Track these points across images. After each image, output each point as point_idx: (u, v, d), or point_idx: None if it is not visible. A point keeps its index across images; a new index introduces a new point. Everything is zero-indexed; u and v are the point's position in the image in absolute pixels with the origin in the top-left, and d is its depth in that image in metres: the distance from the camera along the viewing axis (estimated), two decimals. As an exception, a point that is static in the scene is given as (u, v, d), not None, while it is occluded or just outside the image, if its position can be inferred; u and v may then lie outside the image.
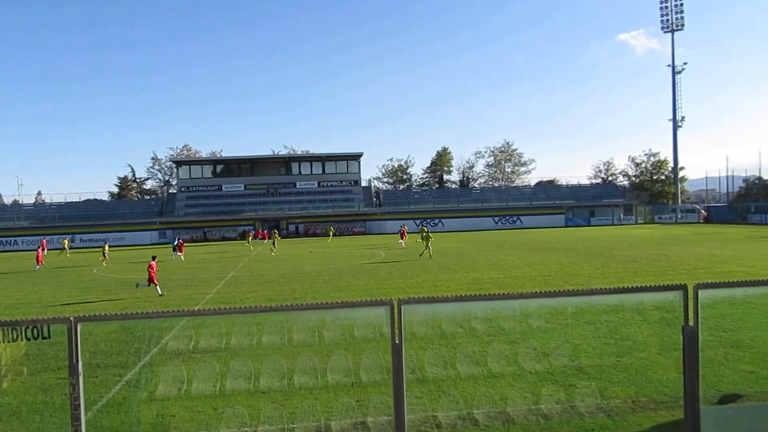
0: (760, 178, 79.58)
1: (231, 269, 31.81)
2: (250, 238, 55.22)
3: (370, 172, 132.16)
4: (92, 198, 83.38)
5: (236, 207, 76.56)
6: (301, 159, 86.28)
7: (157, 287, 21.95)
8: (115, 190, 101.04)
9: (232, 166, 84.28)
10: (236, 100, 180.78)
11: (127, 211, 76.61)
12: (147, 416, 8.49)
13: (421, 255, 35.09)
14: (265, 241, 58.72)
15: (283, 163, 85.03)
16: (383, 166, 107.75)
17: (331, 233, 64.20)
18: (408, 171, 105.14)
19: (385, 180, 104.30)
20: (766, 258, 27.63)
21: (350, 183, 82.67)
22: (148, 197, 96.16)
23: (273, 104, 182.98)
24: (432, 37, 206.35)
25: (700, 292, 5.74)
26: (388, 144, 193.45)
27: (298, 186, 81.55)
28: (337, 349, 11.79)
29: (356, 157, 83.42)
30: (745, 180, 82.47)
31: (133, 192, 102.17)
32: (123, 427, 8.26)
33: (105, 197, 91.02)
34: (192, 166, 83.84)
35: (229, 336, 12.71)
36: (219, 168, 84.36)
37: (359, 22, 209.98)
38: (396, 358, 5.30)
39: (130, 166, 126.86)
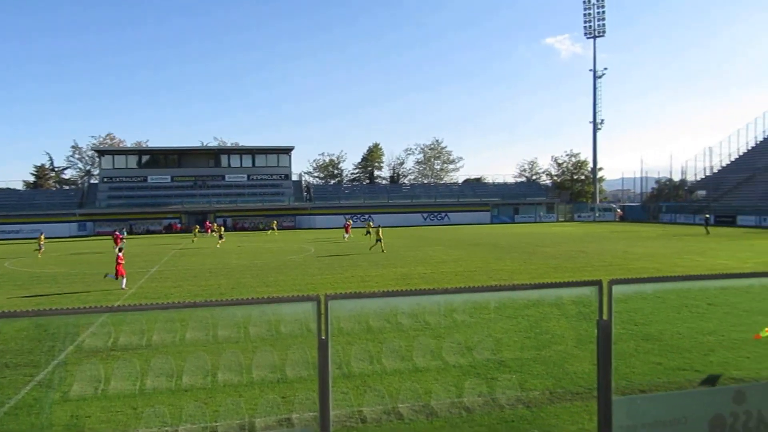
0: (670, 180, 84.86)
1: (155, 263, 30.68)
2: (197, 230, 54.08)
3: (301, 166, 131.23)
4: (4, 187, 78.17)
5: (162, 199, 73.73)
6: (230, 151, 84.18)
7: (123, 280, 21.45)
8: (31, 179, 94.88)
9: (159, 157, 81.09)
10: (165, 90, 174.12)
11: (43, 202, 72.09)
12: (60, 418, 8.07)
13: (371, 248, 35.96)
14: (208, 234, 57.50)
15: (213, 155, 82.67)
16: (314, 160, 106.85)
17: (274, 226, 63.19)
18: (339, 166, 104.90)
19: (316, 175, 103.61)
20: (675, 255, 29.48)
21: (281, 177, 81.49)
22: (67, 187, 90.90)
23: (203, 95, 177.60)
24: (365, 35, 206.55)
25: (614, 287, 5.98)
26: (320, 139, 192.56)
27: (227, 179, 79.54)
28: (263, 345, 11.63)
29: (287, 150, 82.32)
30: (657, 181, 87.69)
31: (50, 182, 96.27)
32: (33, 430, 7.82)
33: (19, 186, 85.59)
34: (116, 156, 79.97)
35: (151, 333, 12.28)
36: (144, 158, 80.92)
37: (292, 15, 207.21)
38: (322, 353, 5.27)
39: (48, 154, 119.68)
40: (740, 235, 45.00)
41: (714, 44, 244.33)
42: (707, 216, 51.59)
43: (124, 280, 21.53)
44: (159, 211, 71.61)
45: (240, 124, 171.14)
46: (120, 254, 22.26)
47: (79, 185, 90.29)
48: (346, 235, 48.38)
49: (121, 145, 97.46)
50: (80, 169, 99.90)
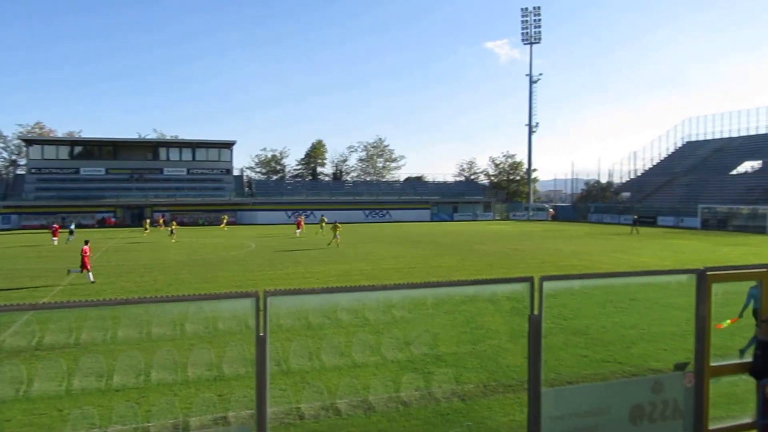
0: (598, 182, 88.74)
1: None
2: (148, 224, 52.31)
3: (243, 161, 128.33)
4: None
5: (95, 192, 70.53)
6: (169, 144, 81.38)
7: (90, 274, 20.88)
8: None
9: (92, 149, 77.54)
10: (100, 80, 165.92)
11: (-38, 193, 67.79)
12: (-23, 422, 7.68)
13: (329, 244, 36.06)
14: (161, 228, 55.50)
15: (150, 147, 79.72)
16: (256, 155, 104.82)
17: (224, 221, 61.78)
18: (282, 162, 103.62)
19: (258, 170, 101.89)
20: (601, 253, 30.85)
21: (221, 171, 79.62)
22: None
23: (141, 86, 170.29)
24: (308, 30, 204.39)
25: (544, 283, 6.25)
26: (262, 134, 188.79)
27: (165, 172, 76.93)
28: (200, 342, 11.43)
29: (229, 145, 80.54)
30: (586, 183, 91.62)
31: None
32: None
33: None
34: (45, 146, 75.85)
35: (80, 331, 11.82)
36: (77, 150, 77.17)
37: (236, 8, 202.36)
38: (260, 350, 5.27)
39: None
40: (660, 234, 47.54)
41: (639, 56, 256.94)
42: (635, 217, 54.14)
43: (90, 274, 21.09)
44: (92, 205, 68.51)
45: (181, 117, 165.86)
46: (86, 247, 21.76)
47: (4, 176, 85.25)
48: (298, 231, 48.13)
49: (51, 135, 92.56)
50: (5, 158, 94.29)
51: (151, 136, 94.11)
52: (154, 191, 72.32)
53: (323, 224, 48.55)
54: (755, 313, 10.76)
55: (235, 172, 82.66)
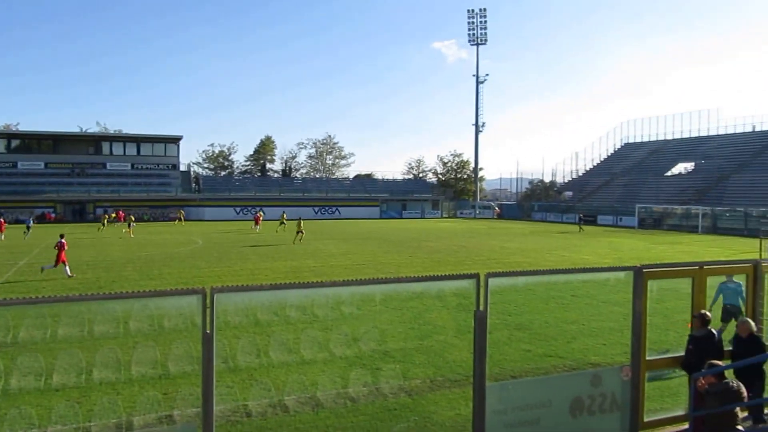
0: (542, 181, 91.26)
1: (25, 255, 28.13)
2: (106, 220, 50.46)
3: (189, 156, 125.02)
4: None
5: (34, 187, 67.34)
6: (113, 138, 78.38)
7: (66, 268, 20.37)
8: None
9: (31, 142, 74.12)
10: (38, 71, 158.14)
11: None
12: None
13: (294, 242, 35.95)
14: (119, 224, 53.34)
15: (93, 141, 76.56)
16: (204, 151, 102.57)
17: (182, 216, 60.36)
18: (230, 158, 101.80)
19: (205, 166, 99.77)
20: (544, 251, 31.76)
21: (168, 167, 77.38)
22: None
23: (84, 79, 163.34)
24: (259, 24, 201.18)
25: (490, 280, 6.42)
26: (211, 130, 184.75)
27: (108, 167, 74.18)
28: (145, 340, 11.16)
29: (175, 140, 78.37)
30: (531, 182, 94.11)
31: None
32: None
33: None
34: (-20, 140, 72.10)
35: (18, 329, 11.34)
36: (14, 143, 73.69)
37: (185, 4, 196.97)
38: (206, 347, 5.22)
39: None
40: (600, 233, 49.29)
41: (580, 59, 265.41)
42: (581, 216, 55.90)
43: (67, 268, 20.59)
44: (30, 200, 65.40)
45: (126, 112, 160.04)
46: (63, 240, 21.12)
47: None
48: (257, 227, 48.05)
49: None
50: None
51: (94, 129, 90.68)
52: (96, 186, 69.73)
53: (283, 220, 48.38)
54: (726, 309, 11.36)
55: (182, 168, 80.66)
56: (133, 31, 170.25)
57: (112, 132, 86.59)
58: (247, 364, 10.01)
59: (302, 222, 38.51)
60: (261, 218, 51.51)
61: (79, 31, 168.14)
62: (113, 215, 56.61)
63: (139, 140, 76.80)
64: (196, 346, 8.68)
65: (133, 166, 75.58)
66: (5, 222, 42.72)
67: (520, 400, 6.84)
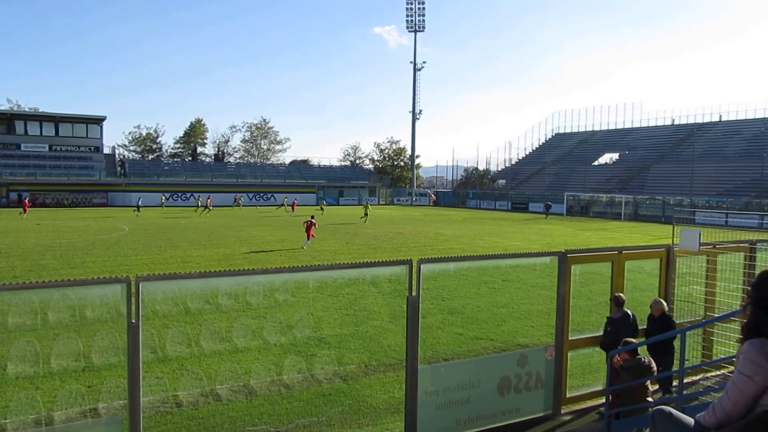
0: (476, 169, 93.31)
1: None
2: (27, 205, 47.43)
3: (114, 138, 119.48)
4: None
5: (-65, 168, 62.70)
6: (27, 117, 73.53)
7: None
8: None
9: (-70, 119, 68.63)
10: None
11: None
12: None
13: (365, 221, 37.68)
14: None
15: (4, 120, 71.51)
16: (129, 133, 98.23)
17: (209, 204, 58.21)
18: (158, 140, 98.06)
19: (131, 149, 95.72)
20: (477, 237, 32.55)
21: (90, 149, 73.60)
22: None
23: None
24: (191, 3, 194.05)
25: (422, 266, 6.55)
26: (137, 112, 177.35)
27: (23, 148, 69.75)
28: (66, 331, 10.68)
29: (97, 120, 74.51)
30: (466, 170, 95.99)
31: None
32: None
33: None
34: None
35: None
36: None
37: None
38: (132, 337, 5.08)
39: None
40: (531, 219, 51.01)
41: (516, 52, 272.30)
42: (548, 204, 57.61)
43: None
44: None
45: (41, 89, 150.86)
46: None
47: None
48: (292, 212, 52.20)
49: None
50: None
51: (5, 107, 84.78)
52: (9, 168, 65.47)
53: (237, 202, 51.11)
54: None
55: (106, 151, 77.04)
56: (50, 4, 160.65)
57: (26, 110, 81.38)
58: (177, 354, 9.78)
59: (369, 206, 44.95)
60: (211, 203, 54.77)
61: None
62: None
63: (57, 120, 72.29)
64: (121, 336, 8.41)
65: (51, 147, 71.22)
66: (28, 202, 45.60)
67: (450, 381, 7.04)
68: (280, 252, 24.46)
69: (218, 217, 47.56)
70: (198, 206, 57.37)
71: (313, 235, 26.60)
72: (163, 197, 65.57)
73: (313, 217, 28.60)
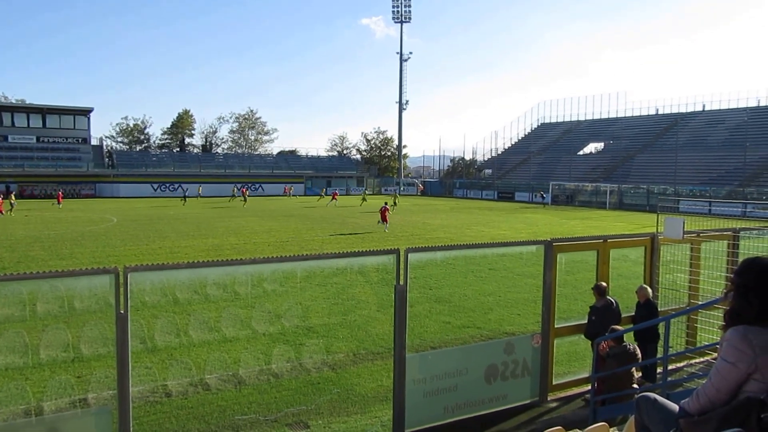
0: (463, 159, 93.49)
1: None
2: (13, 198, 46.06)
3: (102, 130, 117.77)
4: None
5: None
6: (15, 109, 72.23)
7: None
8: None
9: None
10: None
11: None
12: None
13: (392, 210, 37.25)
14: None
15: (-10, 111, 70.61)
16: (117, 124, 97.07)
17: (245, 194, 58.53)
18: (146, 132, 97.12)
19: (119, 140, 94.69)
20: (464, 226, 32.70)
21: (77, 140, 72.65)
22: None
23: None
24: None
25: (410, 255, 6.61)
26: (125, 103, 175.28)
27: (10, 140, 68.67)
28: (55, 322, 10.65)
29: (85, 112, 73.51)
30: (452, 160, 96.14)
31: None
32: None
33: None
34: None
35: None
36: None
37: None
38: (120, 328, 5.10)
39: None
40: (517, 209, 51.30)
41: (500, 42, 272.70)
42: (542, 194, 57.75)
43: None
44: None
45: (29, 82, 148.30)
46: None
47: None
48: (334, 201, 52.40)
49: None
50: None
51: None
52: (-5, 161, 64.61)
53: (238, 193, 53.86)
54: None
55: (94, 142, 76.17)
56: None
57: (14, 102, 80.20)
58: (166, 344, 9.79)
59: (398, 197, 46.52)
60: (247, 193, 55.92)
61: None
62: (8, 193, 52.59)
63: (44, 111, 71.38)
64: (110, 327, 8.41)
65: (38, 139, 70.33)
66: (62, 194, 47.57)
67: (438, 369, 7.13)
68: (268, 242, 24.43)
69: (206, 209, 47.31)
70: (234, 196, 59.85)
71: (387, 220, 30.42)
72: (200, 188, 65.05)
73: (386, 203, 33.21)
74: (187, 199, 55.38)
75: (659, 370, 7.91)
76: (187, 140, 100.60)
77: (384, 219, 30.44)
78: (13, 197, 42.62)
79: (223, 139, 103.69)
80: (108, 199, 63.10)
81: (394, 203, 46.39)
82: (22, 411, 7.11)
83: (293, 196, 58.51)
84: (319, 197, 62.94)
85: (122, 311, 5.09)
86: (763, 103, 66.23)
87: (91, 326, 10.31)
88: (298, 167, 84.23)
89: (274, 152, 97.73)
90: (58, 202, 47.76)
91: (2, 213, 37.63)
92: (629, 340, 7.41)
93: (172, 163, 77.26)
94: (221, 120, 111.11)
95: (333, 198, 54.56)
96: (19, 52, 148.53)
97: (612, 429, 4.61)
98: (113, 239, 24.76)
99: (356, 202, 59.86)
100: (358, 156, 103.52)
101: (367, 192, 61.18)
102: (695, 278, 9.21)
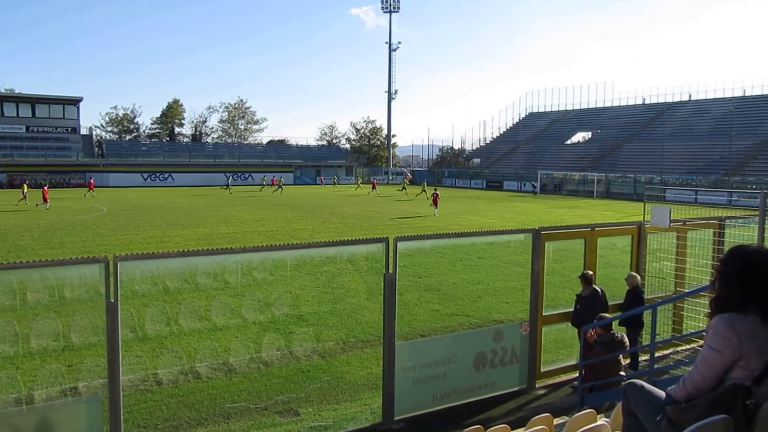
0: (452, 148, 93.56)
1: None
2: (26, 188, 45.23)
3: (91, 120, 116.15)
4: None
5: None
6: (4, 98, 71.16)
7: None
8: None
9: None
10: None
11: None
12: None
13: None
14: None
15: (-20, 101, 69.47)
16: (107, 114, 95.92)
17: (266, 181, 60.87)
18: (135, 121, 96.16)
19: (109, 129, 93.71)
20: (453, 215, 32.82)
21: (67, 130, 71.79)
22: None
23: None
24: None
25: (399, 243, 6.66)
26: (114, 93, 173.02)
27: (-1, 129, 67.95)
28: (45, 311, 10.62)
29: (74, 101, 72.60)
30: (441, 149, 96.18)
31: None
32: None
33: None
34: None
35: None
36: None
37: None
38: (111, 317, 5.12)
39: None
40: (505, 197, 51.48)
41: (488, 32, 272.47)
42: (534, 183, 57.90)
43: None
44: None
45: (17, 71, 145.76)
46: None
47: None
48: (374, 191, 53.56)
49: None
50: None
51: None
52: (-15, 149, 63.70)
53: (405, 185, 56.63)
54: None
55: (83, 131, 75.33)
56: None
57: (2, 91, 79.10)
58: (156, 333, 9.81)
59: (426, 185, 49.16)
60: (280, 182, 57.78)
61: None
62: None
63: (34, 101, 70.47)
64: (101, 316, 8.40)
65: (27, 128, 69.49)
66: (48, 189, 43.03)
67: (427, 357, 7.21)
68: (258, 231, 24.39)
69: (197, 198, 47.07)
70: (267, 185, 61.49)
71: (437, 206, 33.77)
72: (230, 177, 64.61)
73: (436, 189, 37.81)
74: (230, 187, 57.67)
75: (646, 357, 8.04)
76: (177, 130, 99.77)
77: (436, 204, 33.91)
78: (25, 187, 41.90)
79: (212, 128, 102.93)
80: (98, 188, 62.48)
81: (423, 191, 49.36)
82: (13, 400, 7.12)
83: (281, 187, 57.59)
84: (356, 186, 64.74)
85: (112, 300, 5.10)
86: (748, 93, 66.77)
87: (82, 315, 10.30)
88: (288, 156, 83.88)
89: (264, 141, 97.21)
90: (90, 189, 49.15)
91: (27, 200, 37.09)
92: (616, 327, 7.52)
93: (162, 152, 76.67)
94: (211, 109, 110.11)
95: (373, 187, 55.79)
96: (7, 42, 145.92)
97: (599, 416, 4.70)
98: (103, 228, 24.61)
99: (343, 191, 59.94)
100: (348, 145, 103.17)
101: (360, 182, 63.35)
102: (681, 266, 9.33)
